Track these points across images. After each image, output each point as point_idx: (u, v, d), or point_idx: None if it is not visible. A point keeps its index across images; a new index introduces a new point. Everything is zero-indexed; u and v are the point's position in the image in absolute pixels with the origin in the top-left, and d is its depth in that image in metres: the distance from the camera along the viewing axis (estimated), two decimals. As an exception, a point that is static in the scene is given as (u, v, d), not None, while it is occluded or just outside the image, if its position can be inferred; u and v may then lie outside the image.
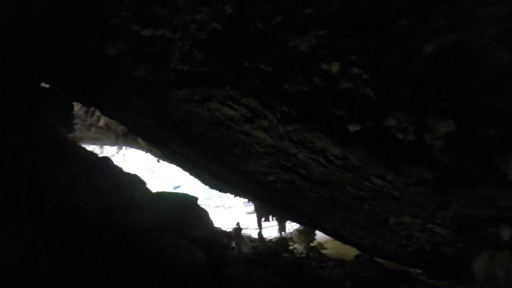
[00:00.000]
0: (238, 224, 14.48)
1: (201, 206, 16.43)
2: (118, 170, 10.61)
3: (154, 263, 6.27)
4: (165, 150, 14.83)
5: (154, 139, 12.58)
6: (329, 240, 21.12)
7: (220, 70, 5.13)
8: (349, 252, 17.41)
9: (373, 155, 4.85)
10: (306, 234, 19.72)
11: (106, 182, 9.03)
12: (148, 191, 10.35)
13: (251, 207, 31.59)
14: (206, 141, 7.38)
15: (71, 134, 20.04)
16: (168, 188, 35.58)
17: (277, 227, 18.68)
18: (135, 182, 9.66)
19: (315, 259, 16.93)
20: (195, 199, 11.42)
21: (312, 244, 19.45)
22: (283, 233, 18.75)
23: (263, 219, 17.88)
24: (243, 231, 16.44)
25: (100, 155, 13.80)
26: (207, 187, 34.50)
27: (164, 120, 8.74)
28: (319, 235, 19.38)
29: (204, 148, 8.40)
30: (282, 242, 18.14)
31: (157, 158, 23.16)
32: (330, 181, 6.12)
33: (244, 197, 15.42)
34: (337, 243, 20.59)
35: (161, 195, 10.57)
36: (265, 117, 5.33)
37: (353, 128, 4.28)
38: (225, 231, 18.56)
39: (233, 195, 17.69)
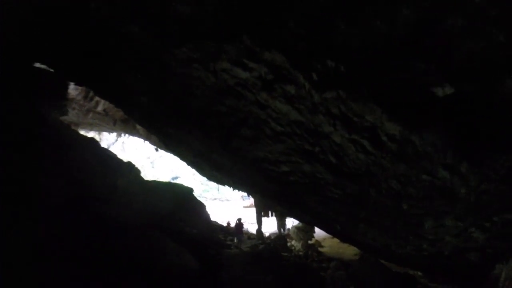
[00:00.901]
0: (239, 220, 12.81)
1: (198, 198, 14.80)
2: (107, 154, 8.83)
3: (135, 268, 4.59)
4: (164, 138, 13.09)
5: (151, 124, 10.81)
6: (327, 238, 19.92)
7: (238, 7, 3.43)
8: (347, 251, 15.47)
9: (448, 138, 3.21)
10: (304, 231, 18.26)
11: (88, 167, 7.29)
12: (138, 179, 8.58)
13: (248, 201, 29.84)
14: (209, 118, 5.65)
15: (65, 118, 18.20)
16: (166, 179, 33.76)
17: (276, 223, 17.04)
18: (124, 168, 7.87)
19: (314, 258, 15.55)
20: (190, 190, 9.69)
21: (310, 242, 18.09)
22: (282, 230, 17.12)
23: (262, 215, 16.20)
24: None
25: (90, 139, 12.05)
26: (205, 178, 32.78)
27: (159, 96, 7.00)
28: (317, 232, 18.12)
29: (206, 130, 6.69)
30: (281, 239, 16.55)
31: (155, 147, 21.36)
32: (369, 174, 4.46)
33: (245, 190, 13.75)
34: (335, 241, 19.41)
35: (153, 185, 8.79)
36: (292, 80, 3.64)
37: (444, 91, 2.60)
38: (221, 226, 16.86)
39: (231, 188, 15.99)
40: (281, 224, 16.56)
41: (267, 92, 4.05)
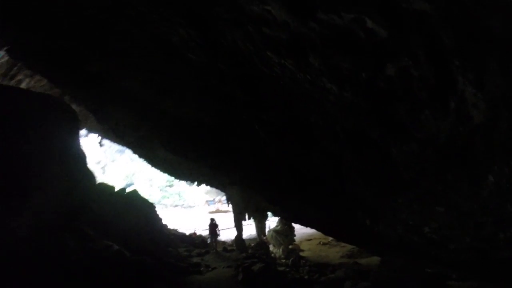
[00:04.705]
0: (213, 220, 8.21)
1: (157, 206, 9.21)
2: None
3: None
4: (101, 105, 7.37)
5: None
6: (303, 240, 15.80)
7: None
8: (330, 254, 12.15)
9: None
10: (285, 235, 13.46)
11: None
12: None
13: (214, 206, 23.97)
14: None
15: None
16: (120, 186, 25.90)
17: (255, 227, 11.91)
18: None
19: (302, 265, 10.85)
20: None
21: (290, 247, 13.42)
22: (262, 236, 12.10)
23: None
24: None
25: None
26: (164, 184, 25.82)
27: None
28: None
29: None
30: (262, 247, 11.51)
31: (99, 140, 14.54)
32: None
33: (219, 178, 8.44)
34: (313, 243, 14.64)
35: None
36: None
37: None
38: (184, 235, 11.06)
39: (196, 184, 10.51)
40: (261, 228, 11.46)
41: None
